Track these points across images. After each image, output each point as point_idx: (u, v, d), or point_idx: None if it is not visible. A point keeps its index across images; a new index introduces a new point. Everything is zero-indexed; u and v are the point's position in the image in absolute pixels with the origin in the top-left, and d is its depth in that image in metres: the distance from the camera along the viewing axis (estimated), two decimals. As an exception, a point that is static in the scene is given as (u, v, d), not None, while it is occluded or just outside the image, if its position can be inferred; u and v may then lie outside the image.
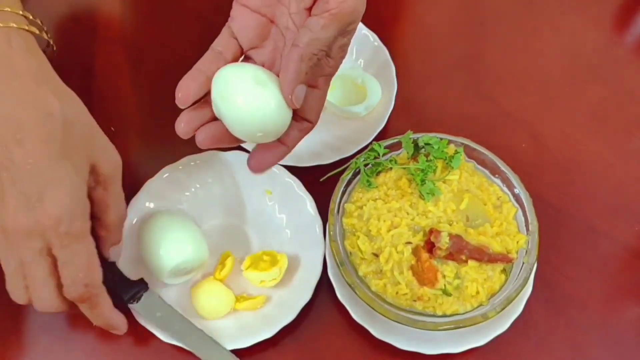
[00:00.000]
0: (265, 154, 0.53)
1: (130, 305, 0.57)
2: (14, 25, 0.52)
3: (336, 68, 0.53)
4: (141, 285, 0.58)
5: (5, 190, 0.48)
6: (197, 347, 0.56)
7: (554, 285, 0.61)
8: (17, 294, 0.51)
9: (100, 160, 0.52)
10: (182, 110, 0.52)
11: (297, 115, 0.53)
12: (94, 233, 0.52)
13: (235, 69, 0.51)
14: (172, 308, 0.57)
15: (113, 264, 0.58)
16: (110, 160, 0.53)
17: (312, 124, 0.53)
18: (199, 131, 0.51)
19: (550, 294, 0.61)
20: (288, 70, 0.48)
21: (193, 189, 0.64)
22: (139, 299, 0.57)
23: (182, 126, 0.51)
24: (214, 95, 0.51)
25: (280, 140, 0.53)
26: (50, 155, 0.48)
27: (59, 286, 0.50)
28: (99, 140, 0.53)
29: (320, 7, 0.48)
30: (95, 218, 0.53)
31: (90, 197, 0.51)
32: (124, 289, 0.57)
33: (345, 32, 0.50)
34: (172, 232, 0.58)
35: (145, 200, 0.62)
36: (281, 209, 0.63)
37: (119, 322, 0.54)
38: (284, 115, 0.51)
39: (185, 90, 0.51)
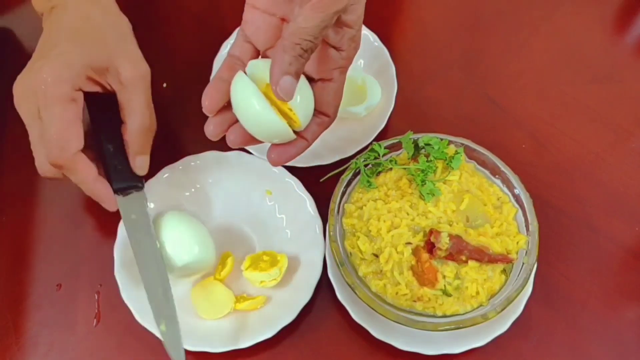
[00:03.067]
0: (285, 147, 0.53)
1: (115, 195, 0.57)
2: None
3: (349, 59, 0.54)
4: (136, 183, 0.58)
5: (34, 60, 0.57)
6: (142, 267, 0.55)
7: (554, 285, 0.61)
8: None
9: (122, 64, 0.57)
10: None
11: (315, 110, 0.53)
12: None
13: (248, 80, 0.51)
14: (149, 221, 0.57)
15: (121, 149, 0.58)
16: (134, 67, 0.58)
17: (330, 117, 0.54)
18: (229, 132, 0.53)
19: (550, 294, 0.61)
20: (273, 63, 0.49)
21: (193, 189, 0.64)
22: (127, 194, 0.58)
23: (212, 128, 0.53)
24: (232, 102, 0.52)
25: (300, 134, 0.53)
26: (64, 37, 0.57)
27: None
28: (128, 47, 0.59)
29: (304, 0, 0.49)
30: (123, 122, 0.58)
31: (118, 100, 0.58)
32: (118, 178, 0.57)
33: (342, 22, 0.51)
34: (181, 231, 0.58)
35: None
36: (281, 209, 0.63)
37: (101, 192, 0.56)
38: (302, 116, 0.52)
39: (210, 99, 0.52)
